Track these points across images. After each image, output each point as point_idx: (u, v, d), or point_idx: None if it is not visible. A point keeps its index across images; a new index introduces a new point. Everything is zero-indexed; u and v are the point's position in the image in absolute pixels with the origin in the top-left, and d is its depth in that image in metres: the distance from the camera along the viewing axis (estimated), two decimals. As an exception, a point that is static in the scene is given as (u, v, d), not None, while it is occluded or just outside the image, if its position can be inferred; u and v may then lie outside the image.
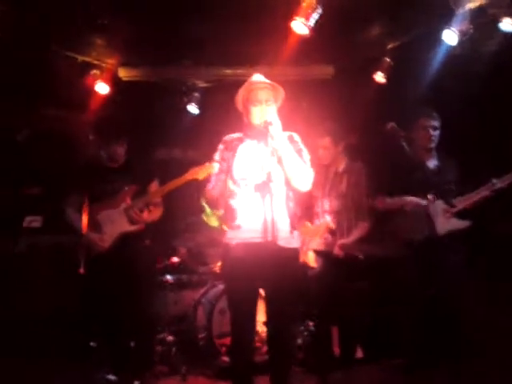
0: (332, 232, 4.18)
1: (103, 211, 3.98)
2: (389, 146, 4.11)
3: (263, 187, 3.04)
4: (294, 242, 3.16)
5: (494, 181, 3.83)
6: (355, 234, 4.17)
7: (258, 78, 3.28)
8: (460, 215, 3.93)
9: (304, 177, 3.15)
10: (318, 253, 4.21)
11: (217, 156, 3.31)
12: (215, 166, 3.29)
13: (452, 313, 3.89)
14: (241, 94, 3.26)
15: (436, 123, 4.10)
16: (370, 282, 4.60)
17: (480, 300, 4.09)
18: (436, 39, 4.64)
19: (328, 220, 4.25)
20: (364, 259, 4.14)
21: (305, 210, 4.21)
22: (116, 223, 3.96)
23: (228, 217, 3.19)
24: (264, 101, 3.19)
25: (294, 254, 3.18)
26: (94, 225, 3.96)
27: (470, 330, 3.88)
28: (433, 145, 4.12)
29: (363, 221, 4.21)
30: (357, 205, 4.23)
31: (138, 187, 4.04)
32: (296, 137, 3.30)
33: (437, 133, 4.11)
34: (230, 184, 3.20)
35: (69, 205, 4.11)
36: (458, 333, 3.87)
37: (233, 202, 3.18)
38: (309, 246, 4.20)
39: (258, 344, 4.01)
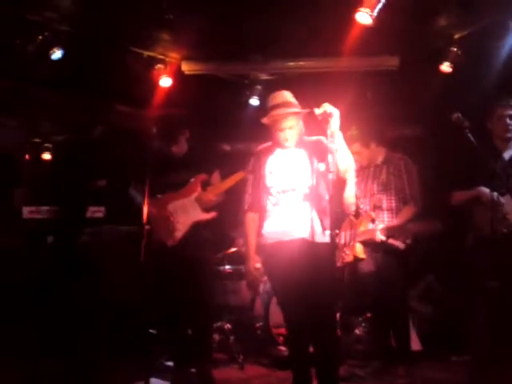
0: (373, 220, 4.17)
1: (173, 201, 4.03)
2: (455, 137, 3.98)
3: (311, 195, 3.23)
4: (325, 238, 3.19)
5: None
6: (400, 218, 4.13)
7: (281, 99, 3.36)
8: None
9: (352, 169, 3.38)
10: (364, 243, 4.17)
11: (250, 166, 3.49)
12: (249, 179, 3.48)
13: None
14: (265, 119, 3.37)
15: None
16: (436, 274, 4.50)
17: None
18: (504, 28, 4.48)
19: (370, 212, 4.24)
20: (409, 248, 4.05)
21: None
22: (190, 212, 4.00)
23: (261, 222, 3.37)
24: (288, 128, 3.32)
25: (327, 247, 3.18)
26: (164, 215, 4.01)
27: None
28: (509, 134, 3.93)
29: (409, 205, 4.15)
30: (400, 192, 4.19)
31: (206, 176, 4.08)
32: (324, 140, 3.32)
33: None
34: (264, 192, 3.36)
35: (134, 189, 4.23)
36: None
37: (269, 210, 3.34)
38: (356, 238, 4.17)
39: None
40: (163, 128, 4.24)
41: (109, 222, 5.13)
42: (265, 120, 3.37)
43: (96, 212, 5.11)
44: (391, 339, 4.16)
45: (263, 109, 5.52)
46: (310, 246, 3.12)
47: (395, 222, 4.14)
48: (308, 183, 3.26)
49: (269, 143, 3.49)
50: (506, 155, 3.95)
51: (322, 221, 3.22)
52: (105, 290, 4.84)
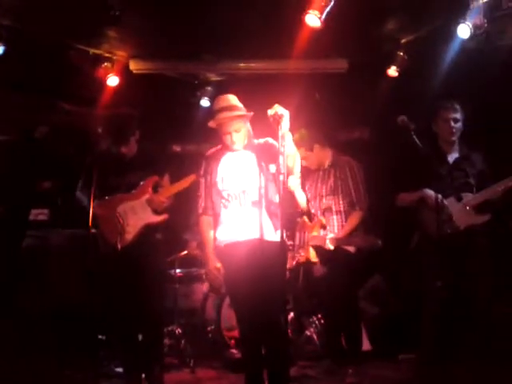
0: (324, 227, 4.27)
1: (123, 203, 3.93)
2: (401, 140, 4.06)
3: (260, 201, 3.26)
4: (276, 238, 3.25)
5: None
6: (347, 226, 4.23)
7: (226, 102, 3.37)
8: (480, 209, 3.85)
9: (297, 172, 3.38)
10: (315, 248, 4.28)
11: (201, 170, 3.52)
12: (201, 182, 3.50)
13: (470, 307, 3.84)
14: (211, 123, 3.41)
15: (457, 115, 4.01)
16: (383, 275, 4.59)
17: (500, 296, 4.05)
18: (451, 34, 4.59)
19: (320, 217, 4.34)
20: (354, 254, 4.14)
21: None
22: (140, 214, 3.91)
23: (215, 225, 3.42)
24: (234, 131, 3.36)
25: (279, 245, 3.18)
26: (113, 217, 3.89)
27: (487, 325, 3.81)
28: (454, 137, 4.03)
29: (355, 210, 4.25)
30: (347, 196, 4.28)
31: (158, 178, 4.01)
32: (271, 140, 3.43)
33: (458, 125, 4.01)
34: (216, 195, 3.40)
35: (80, 190, 4.10)
36: (474, 327, 3.82)
37: (221, 213, 3.38)
38: (309, 242, 4.24)
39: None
40: (112, 128, 4.11)
41: (53, 225, 4.99)
42: (211, 124, 3.41)
43: (39, 214, 4.96)
44: (342, 339, 4.22)
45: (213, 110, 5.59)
46: (261, 244, 3.16)
47: (342, 232, 4.22)
48: (257, 186, 3.28)
49: (218, 146, 3.51)
50: (451, 158, 4.05)
51: (272, 222, 3.27)
52: (51, 294, 4.71)
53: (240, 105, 3.41)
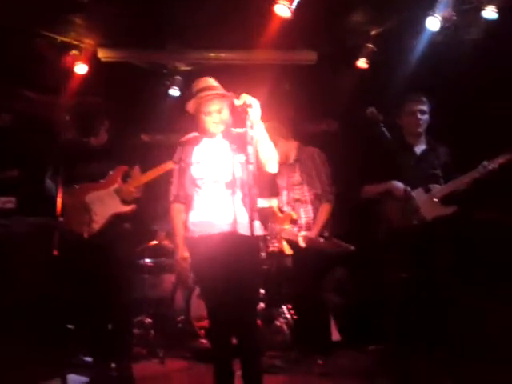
0: (294, 222, 4.31)
1: (91, 192, 3.90)
2: (369, 132, 4.10)
3: (225, 180, 3.18)
4: (255, 231, 3.12)
5: (485, 163, 3.81)
6: (318, 222, 4.27)
7: (206, 83, 3.29)
8: (446, 201, 3.92)
9: (274, 159, 3.26)
10: (287, 241, 4.32)
11: (176, 157, 3.40)
12: (175, 168, 3.39)
13: (435, 299, 3.91)
14: (190, 104, 3.28)
15: (424, 107, 4.06)
16: (348, 267, 4.64)
17: (465, 287, 4.13)
18: (419, 26, 4.64)
19: (289, 210, 4.38)
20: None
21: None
22: (108, 204, 3.89)
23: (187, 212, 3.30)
24: (215, 111, 3.24)
25: (254, 239, 3.15)
26: (81, 207, 3.87)
27: (453, 317, 3.89)
28: (420, 129, 4.08)
29: (323, 203, 4.30)
30: (313, 189, 4.33)
31: (127, 168, 3.97)
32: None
33: (425, 117, 4.06)
34: (190, 183, 3.28)
35: (49, 178, 4.04)
36: (440, 319, 3.88)
37: (194, 201, 3.28)
38: (282, 234, 4.27)
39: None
40: (80, 119, 4.05)
41: (21, 213, 4.91)
42: (190, 105, 3.28)
43: (6, 203, 4.87)
44: (311, 330, 4.26)
45: (183, 99, 5.54)
46: (234, 238, 3.10)
47: (314, 230, 4.25)
48: (231, 174, 3.20)
49: (194, 133, 3.41)
50: (418, 149, 4.11)
51: (246, 212, 3.18)
52: (16, 283, 4.64)
53: (219, 86, 3.30)
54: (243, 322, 3.17)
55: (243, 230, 3.10)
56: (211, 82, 3.31)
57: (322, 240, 4.18)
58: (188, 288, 4.55)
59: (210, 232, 3.18)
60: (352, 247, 4.16)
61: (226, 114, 3.27)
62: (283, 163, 4.38)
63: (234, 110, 3.21)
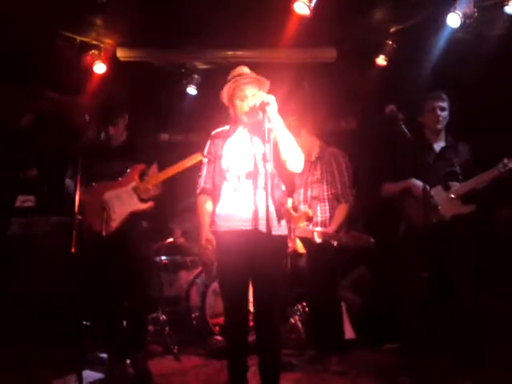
0: (310, 219, 4.27)
1: (109, 190, 3.92)
2: (389, 129, 4.06)
3: (254, 175, 3.12)
4: (280, 230, 3.18)
5: (506, 161, 3.72)
6: (335, 221, 4.24)
7: (242, 70, 3.28)
8: (466, 199, 3.84)
9: (298, 158, 3.17)
10: (302, 240, 4.28)
11: (205, 150, 3.39)
12: (204, 161, 3.37)
13: (454, 298, 3.84)
14: (226, 89, 3.27)
15: (444, 104, 3.99)
16: (368, 265, 4.59)
17: (483, 287, 4.06)
18: (440, 23, 4.58)
19: (305, 208, 4.34)
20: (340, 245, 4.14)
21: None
22: (126, 202, 3.91)
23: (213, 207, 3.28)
24: (250, 95, 3.21)
25: (280, 240, 3.19)
26: (100, 205, 3.88)
27: (471, 316, 3.80)
28: (440, 126, 4.01)
29: (342, 203, 4.27)
30: (333, 189, 4.30)
31: (144, 166, 3.99)
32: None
33: (445, 114, 3.99)
34: (219, 176, 3.26)
35: (69, 177, 4.09)
36: (457, 318, 3.81)
37: (222, 191, 3.24)
38: (295, 233, 4.24)
39: (251, 323, 4.01)
40: (102, 108, 4.10)
41: (40, 212, 4.98)
42: (224, 91, 3.26)
43: (26, 201, 4.95)
44: (326, 328, 4.22)
45: (201, 98, 5.57)
46: (257, 236, 3.04)
47: (331, 227, 4.22)
48: (254, 168, 3.16)
49: (226, 127, 3.38)
50: (437, 147, 4.04)
51: (276, 209, 3.14)
52: (35, 281, 4.71)
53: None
54: (267, 320, 3.14)
55: (273, 229, 3.03)
56: (247, 70, 3.30)
57: (339, 235, 4.15)
58: (211, 275, 4.53)
59: (234, 227, 3.14)
60: (372, 239, 4.10)
61: (262, 93, 3.18)
62: (305, 160, 4.36)
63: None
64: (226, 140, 3.31)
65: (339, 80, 5.40)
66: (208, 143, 3.39)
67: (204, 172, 3.36)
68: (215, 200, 3.28)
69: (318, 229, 4.19)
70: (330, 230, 4.19)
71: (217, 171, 3.27)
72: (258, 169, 3.13)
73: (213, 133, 3.41)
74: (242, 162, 3.20)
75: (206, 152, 3.37)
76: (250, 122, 3.24)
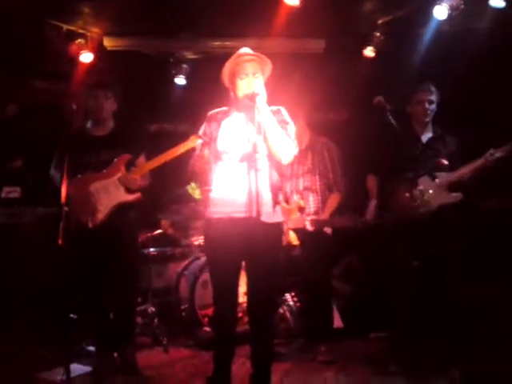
0: (302, 210, 4.27)
1: (95, 182, 3.87)
2: (377, 120, 4.08)
3: (249, 158, 3.04)
4: (276, 217, 3.16)
5: (492, 151, 3.79)
6: (327, 209, 4.25)
7: (244, 50, 3.23)
8: (452, 188, 3.90)
9: (287, 150, 3.13)
10: (295, 231, 4.27)
11: (200, 131, 3.32)
12: (198, 142, 3.28)
13: (441, 287, 3.90)
14: (227, 67, 3.21)
15: (432, 97, 4.04)
16: (358, 254, 4.61)
17: (470, 276, 4.09)
18: (427, 15, 4.61)
19: (298, 198, 4.33)
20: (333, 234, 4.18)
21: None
22: (112, 193, 3.86)
23: (202, 181, 3.21)
24: (251, 73, 3.16)
25: (276, 228, 3.17)
26: (86, 196, 3.84)
27: (459, 305, 3.86)
28: (427, 119, 4.06)
29: (334, 192, 4.28)
30: (325, 179, 4.30)
31: (130, 156, 3.93)
32: (283, 110, 3.28)
33: (433, 106, 4.05)
34: (214, 158, 3.18)
35: (54, 168, 4.04)
36: (446, 307, 3.88)
37: (218, 176, 3.17)
38: (288, 224, 4.23)
39: (239, 314, 4.02)
40: (88, 87, 4.08)
41: (25, 203, 4.93)
42: (225, 69, 3.19)
43: (11, 192, 4.90)
44: (314, 317, 4.25)
45: (191, 88, 5.54)
46: (251, 223, 2.97)
47: (323, 213, 4.23)
48: (263, 152, 3.11)
49: (224, 108, 3.32)
50: (424, 138, 4.09)
51: (272, 195, 3.11)
52: (21, 273, 4.67)
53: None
54: (258, 309, 3.14)
55: (267, 217, 3.00)
56: (249, 50, 3.23)
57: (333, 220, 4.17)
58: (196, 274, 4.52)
59: (229, 213, 3.09)
60: (364, 219, 4.12)
61: (260, 81, 3.18)
62: None
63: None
64: (221, 121, 3.26)
65: (328, 71, 5.39)
66: (204, 124, 3.32)
67: (197, 153, 3.27)
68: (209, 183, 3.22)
69: (310, 217, 4.20)
70: (323, 217, 4.21)
71: (212, 153, 3.20)
72: (254, 153, 3.03)
73: (209, 113, 3.34)
74: (239, 145, 3.14)
75: (201, 133, 3.30)
76: (247, 105, 3.14)
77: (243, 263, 3.24)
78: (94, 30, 5.01)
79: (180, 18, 4.86)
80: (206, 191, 3.22)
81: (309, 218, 4.19)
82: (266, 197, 3.08)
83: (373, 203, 4.15)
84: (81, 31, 4.96)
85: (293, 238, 4.31)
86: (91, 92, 4.01)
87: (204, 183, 3.22)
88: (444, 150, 4.01)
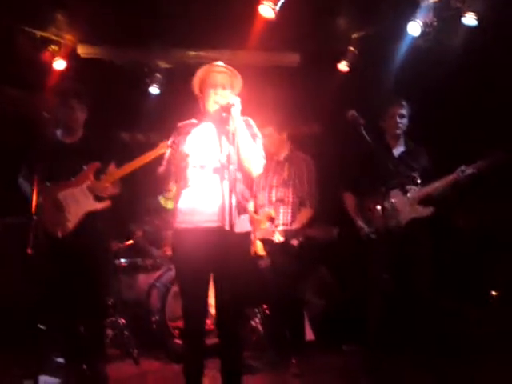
0: (272, 220, 4.27)
1: (64, 190, 3.82)
2: (350, 134, 4.11)
3: (222, 170, 3.04)
4: (243, 226, 3.15)
5: (463, 167, 3.86)
6: (297, 223, 4.27)
7: (219, 63, 3.24)
8: (423, 202, 3.95)
9: (257, 161, 3.16)
10: (263, 241, 4.27)
11: (169, 141, 3.32)
12: (167, 151, 3.29)
13: (412, 299, 3.93)
14: (198, 76, 3.23)
15: (403, 111, 4.12)
16: (328, 267, 4.61)
17: (441, 290, 4.14)
18: (401, 31, 4.69)
19: (269, 209, 4.33)
20: (300, 246, 4.20)
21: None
22: (81, 202, 3.82)
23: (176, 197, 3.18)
24: (221, 85, 3.17)
25: (243, 237, 3.16)
26: (54, 205, 3.80)
27: (429, 317, 3.89)
28: (399, 131, 4.13)
29: (306, 207, 4.30)
30: (299, 193, 4.32)
31: (99, 165, 3.89)
32: (251, 121, 3.29)
33: (404, 120, 4.13)
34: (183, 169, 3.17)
35: (22, 176, 3.98)
36: (417, 322, 3.90)
37: (186, 186, 3.15)
38: (256, 235, 4.23)
39: (211, 327, 3.99)
40: (60, 95, 4.04)
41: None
42: (196, 77, 3.21)
43: (-21, 202, 4.79)
44: (285, 330, 4.25)
45: (163, 98, 5.51)
46: (220, 233, 2.95)
47: (293, 226, 4.25)
48: (219, 161, 3.08)
49: (193, 120, 3.32)
50: (396, 152, 4.16)
51: (237, 204, 3.07)
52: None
53: None
54: (226, 321, 3.10)
55: (235, 226, 2.96)
56: (221, 63, 3.24)
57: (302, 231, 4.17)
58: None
59: (196, 223, 3.07)
60: (335, 230, 4.15)
61: (228, 94, 3.17)
62: (270, 159, 4.26)
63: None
64: (191, 130, 3.25)
65: (302, 85, 5.43)
66: (173, 134, 3.31)
67: (165, 161, 3.27)
68: (176, 193, 3.20)
69: (280, 228, 4.21)
70: (292, 228, 4.22)
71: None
72: (228, 163, 3.01)
73: (179, 124, 3.34)
74: (204, 154, 3.14)
75: (170, 142, 3.30)
76: (216, 117, 3.17)
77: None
78: (68, 37, 4.96)
79: (154, 27, 4.86)
80: (181, 188, 3.17)
81: (278, 229, 4.20)
82: (233, 207, 3.01)
83: (359, 222, 4.14)
84: (54, 38, 4.92)
85: (259, 248, 4.30)
86: (65, 101, 3.96)
87: (180, 179, 3.17)
88: (416, 164, 4.08)
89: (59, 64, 4.95)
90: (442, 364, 3.77)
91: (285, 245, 4.17)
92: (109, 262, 4.52)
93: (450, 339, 4.08)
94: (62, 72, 5.01)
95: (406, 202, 3.96)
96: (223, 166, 3.03)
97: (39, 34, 4.85)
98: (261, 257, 4.30)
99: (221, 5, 4.45)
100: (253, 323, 4.56)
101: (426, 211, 3.95)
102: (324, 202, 4.45)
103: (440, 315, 4.04)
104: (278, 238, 4.14)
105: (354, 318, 4.30)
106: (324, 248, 4.61)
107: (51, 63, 4.94)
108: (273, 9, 4.26)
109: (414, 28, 4.57)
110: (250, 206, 4.42)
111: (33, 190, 3.57)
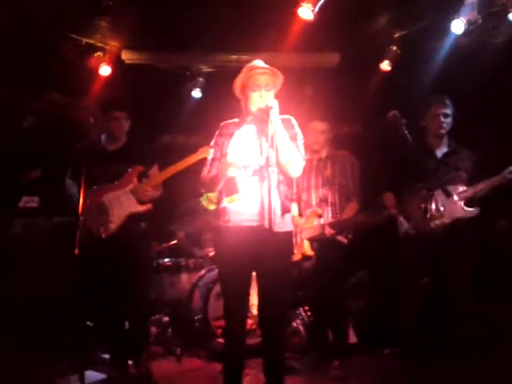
0: (320, 216, 4.19)
1: (108, 193, 3.95)
2: (392, 134, 4.07)
3: (261, 172, 3.06)
4: (286, 226, 3.17)
5: (511, 168, 3.76)
6: (346, 214, 4.20)
7: (257, 63, 3.27)
8: (467, 204, 3.87)
9: (296, 165, 3.17)
10: (311, 240, 4.20)
11: (212, 142, 3.36)
12: (211, 152, 3.34)
13: (451, 304, 3.84)
14: (239, 79, 3.26)
15: (448, 110, 4.02)
16: (369, 269, 4.56)
17: (480, 294, 4.05)
18: (444, 29, 4.61)
19: (315, 208, 4.26)
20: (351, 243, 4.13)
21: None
22: (124, 204, 3.93)
23: (227, 188, 3.19)
24: (263, 86, 3.18)
25: (286, 237, 3.18)
26: (99, 207, 3.92)
27: (468, 322, 3.81)
28: (443, 131, 4.04)
29: (353, 202, 4.24)
30: (343, 189, 4.26)
31: (143, 168, 4.00)
32: (293, 120, 3.31)
33: (448, 120, 4.03)
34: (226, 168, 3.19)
35: (71, 179, 4.13)
36: (454, 325, 3.83)
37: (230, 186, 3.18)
38: (302, 236, 4.19)
39: (253, 327, 4.02)
40: (105, 105, 4.16)
41: (44, 213, 5.00)
42: (237, 81, 3.24)
43: (30, 202, 4.98)
44: (328, 332, 4.22)
45: (205, 101, 5.59)
46: (262, 233, 2.96)
47: (343, 216, 4.18)
48: (261, 161, 3.09)
49: (235, 119, 3.36)
50: (439, 152, 4.07)
51: (281, 204, 3.12)
52: (38, 281, 4.72)
53: None
54: (269, 321, 3.14)
55: (278, 226, 3.01)
56: (262, 62, 3.27)
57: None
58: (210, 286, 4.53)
59: (239, 222, 3.11)
60: (387, 213, 4.08)
61: (271, 95, 3.20)
62: (309, 159, 4.16)
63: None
64: (233, 133, 3.28)
65: (343, 85, 5.41)
66: (216, 134, 3.35)
67: (209, 162, 3.32)
68: (220, 192, 3.24)
69: (329, 221, 4.14)
70: (342, 218, 4.16)
71: (223, 164, 3.20)
72: (268, 164, 3.03)
73: (221, 124, 3.37)
74: (248, 157, 3.16)
75: (213, 143, 3.35)
76: (257, 119, 3.19)
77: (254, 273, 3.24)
78: (113, 44, 5.11)
79: (196, 32, 4.93)
80: (225, 197, 3.21)
81: (328, 222, 4.13)
82: (276, 207, 3.06)
83: (400, 218, 4.07)
84: (99, 45, 5.07)
85: (307, 248, 4.21)
86: (110, 111, 4.08)
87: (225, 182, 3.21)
88: (460, 164, 3.99)
89: (105, 70, 5.10)
90: (483, 368, 3.69)
91: (333, 240, 4.10)
92: (150, 262, 4.63)
93: (490, 343, 3.98)
94: (106, 78, 5.15)
95: (450, 203, 3.88)
96: (262, 167, 3.06)
97: (85, 41, 5.01)
98: (308, 257, 4.26)
99: (260, 7, 4.48)
100: (294, 324, 4.54)
101: (471, 212, 3.87)
102: (364, 203, 4.41)
103: (480, 318, 3.95)
104: (329, 230, 4.09)
105: (395, 321, 4.23)
106: (367, 251, 4.54)
107: (97, 69, 5.09)
108: (312, 10, 4.25)
109: (458, 26, 4.47)
110: (294, 207, 4.43)
111: (79, 191, 3.74)
